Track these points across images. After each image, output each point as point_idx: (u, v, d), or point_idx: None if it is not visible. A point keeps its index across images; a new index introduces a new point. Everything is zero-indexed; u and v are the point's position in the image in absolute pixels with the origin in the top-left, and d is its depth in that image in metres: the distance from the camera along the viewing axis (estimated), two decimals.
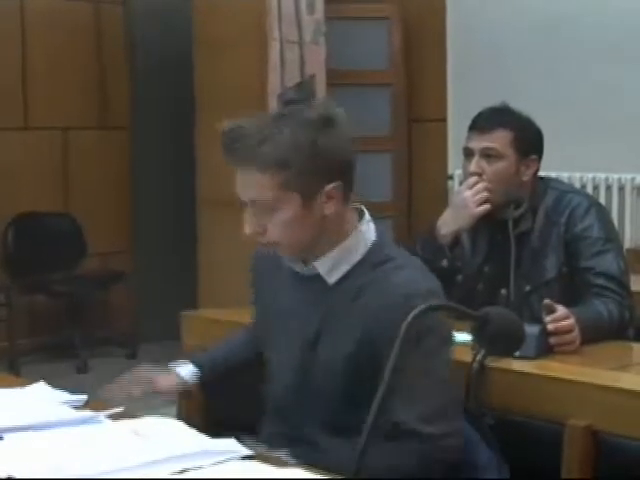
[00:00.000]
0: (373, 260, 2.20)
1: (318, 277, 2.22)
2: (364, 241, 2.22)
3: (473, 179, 3.01)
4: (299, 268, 2.25)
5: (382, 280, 2.15)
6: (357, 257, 2.21)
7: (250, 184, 2.15)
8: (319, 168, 2.13)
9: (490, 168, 3.01)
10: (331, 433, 2.20)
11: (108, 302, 7.40)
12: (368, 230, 2.24)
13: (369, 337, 2.12)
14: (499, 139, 3.01)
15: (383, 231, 2.28)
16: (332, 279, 2.21)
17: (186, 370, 2.53)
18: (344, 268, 2.20)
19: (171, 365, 2.55)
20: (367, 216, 2.26)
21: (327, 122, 2.15)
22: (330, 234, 2.20)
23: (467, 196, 3.00)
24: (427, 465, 2.10)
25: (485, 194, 2.99)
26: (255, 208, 2.16)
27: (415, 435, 2.10)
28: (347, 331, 2.15)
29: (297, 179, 2.12)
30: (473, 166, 3.01)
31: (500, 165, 3.01)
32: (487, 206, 2.99)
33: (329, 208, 2.16)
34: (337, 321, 2.18)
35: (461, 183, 3.12)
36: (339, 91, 6.13)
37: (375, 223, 2.27)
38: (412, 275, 2.17)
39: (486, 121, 3.04)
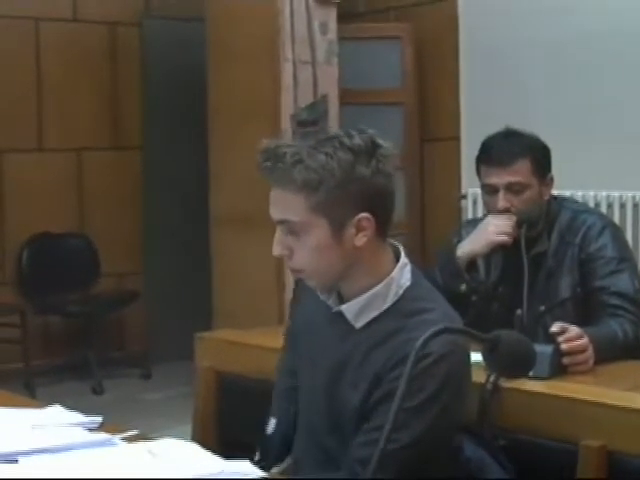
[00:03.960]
0: (404, 309, 2.12)
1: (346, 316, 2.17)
2: (396, 288, 2.14)
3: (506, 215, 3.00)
4: (331, 302, 2.19)
5: (407, 333, 2.06)
6: (387, 304, 2.13)
7: (281, 204, 2.10)
8: (350, 196, 2.06)
9: (518, 199, 3.00)
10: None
11: (122, 322, 7.42)
12: (402, 276, 2.15)
13: (375, 384, 2.08)
14: (521, 171, 2.99)
15: (419, 276, 2.20)
16: (359, 324, 2.15)
17: None
18: (371, 314, 2.13)
19: None
20: (403, 259, 2.17)
21: (367, 151, 2.08)
22: (362, 272, 2.13)
23: (491, 222, 3.01)
24: None
25: (510, 230, 2.98)
26: (284, 229, 2.11)
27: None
28: (365, 374, 2.10)
29: (326, 204, 2.06)
30: (502, 203, 2.99)
31: (527, 194, 3.01)
32: (506, 238, 2.98)
33: (360, 240, 2.08)
34: (359, 362, 2.13)
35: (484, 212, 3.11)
36: (352, 110, 6.15)
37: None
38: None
39: (504, 154, 3.01)
